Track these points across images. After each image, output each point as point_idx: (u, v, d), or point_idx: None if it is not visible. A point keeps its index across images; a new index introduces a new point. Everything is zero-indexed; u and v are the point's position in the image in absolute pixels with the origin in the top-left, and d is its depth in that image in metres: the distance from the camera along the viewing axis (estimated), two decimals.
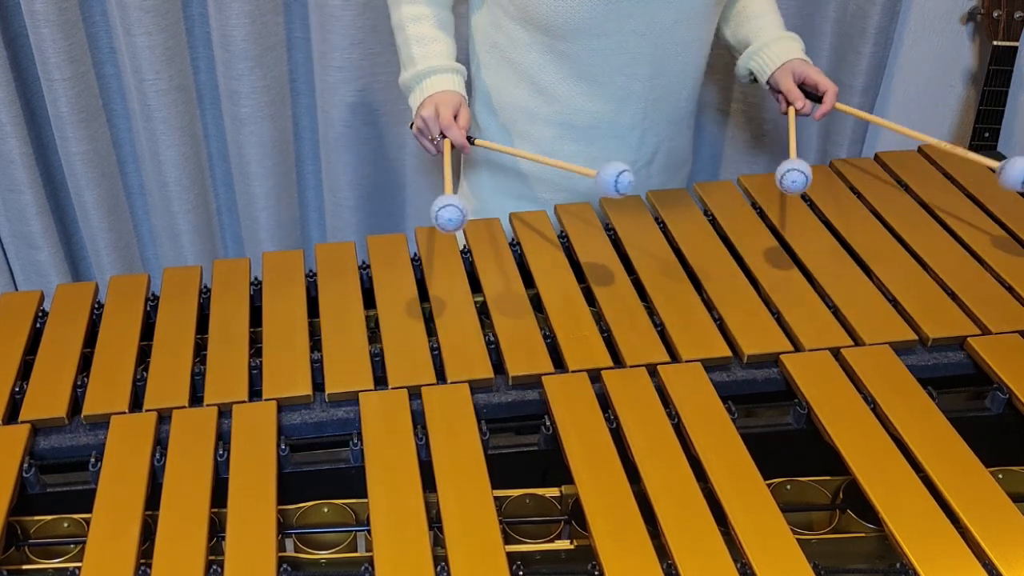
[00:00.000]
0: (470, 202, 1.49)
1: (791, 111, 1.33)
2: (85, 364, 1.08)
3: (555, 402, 0.99)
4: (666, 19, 1.27)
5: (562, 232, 1.29)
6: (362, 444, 0.94)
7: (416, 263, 1.23)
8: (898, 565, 0.82)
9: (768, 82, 1.37)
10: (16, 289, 1.97)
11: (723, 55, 1.84)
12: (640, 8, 1.25)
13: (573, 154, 1.37)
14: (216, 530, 0.89)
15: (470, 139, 1.26)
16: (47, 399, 1.02)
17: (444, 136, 1.25)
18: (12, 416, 1.01)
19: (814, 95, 1.34)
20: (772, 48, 1.36)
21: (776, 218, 1.30)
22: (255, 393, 1.03)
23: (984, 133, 1.84)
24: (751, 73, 1.40)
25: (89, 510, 0.88)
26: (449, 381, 1.03)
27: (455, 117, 1.25)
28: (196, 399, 1.02)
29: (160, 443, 0.97)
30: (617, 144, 1.38)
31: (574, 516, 0.92)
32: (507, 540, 0.87)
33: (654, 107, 1.36)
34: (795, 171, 1.15)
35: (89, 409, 1.00)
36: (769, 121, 1.90)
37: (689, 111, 1.44)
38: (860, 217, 1.30)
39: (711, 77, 1.85)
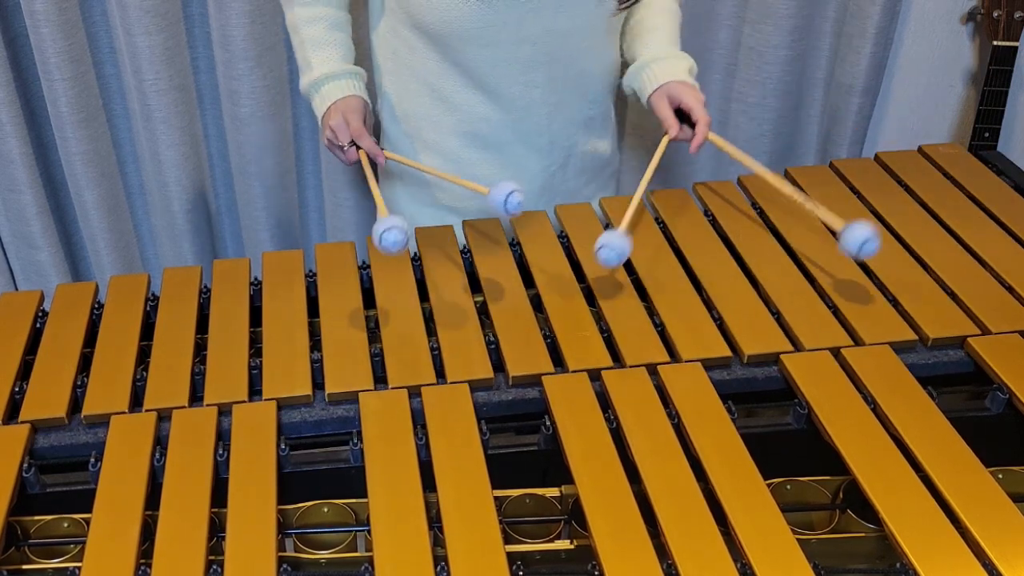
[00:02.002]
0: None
1: (663, 139, 1.26)
2: (85, 364, 1.08)
3: (555, 402, 0.99)
4: (560, 28, 1.23)
5: (562, 232, 1.29)
6: (362, 444, 0.94)
7: (416, 263, 1.23)
8: (898, 565, 0.82)
9: (647, 104, 1.30)
10: (16, 289, 1.97)
11: (723, 56, 1.85)
12: (530, 17, 1.21)
13: (481, 161, 1.34)
14: (216, 530, 0.89)
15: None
16: (47, 399, 1.02)
17: (356, 146, 1.23)
18: (12, 416, 1.01)
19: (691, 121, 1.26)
20: (653, 68, 1.29)
21: (776, 218, 1.30)
22: (255, 393, 1.03)
23: (984, 133, 1.84)
24: (633, 92, 1.34)
25: (89, 510, 0.88)
26: (449, 381, 1.03)
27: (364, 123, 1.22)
28: (196, 399, 1.02)
29: (160, 443, 0.97)
30: (526, 150, 1.34)
31: (574, 516, 0.92)
32: (507, 540, 0.87)
33: (559, 111, 1.31)
34: (605, 248, 1.09)
35: (89, 409, 1.00)
36: (769, 121, 1.90)
37: (602, 113, 1.38)
38: (860, 217, 1.30)
39: (710, 78, 1.85)
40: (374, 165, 1.27)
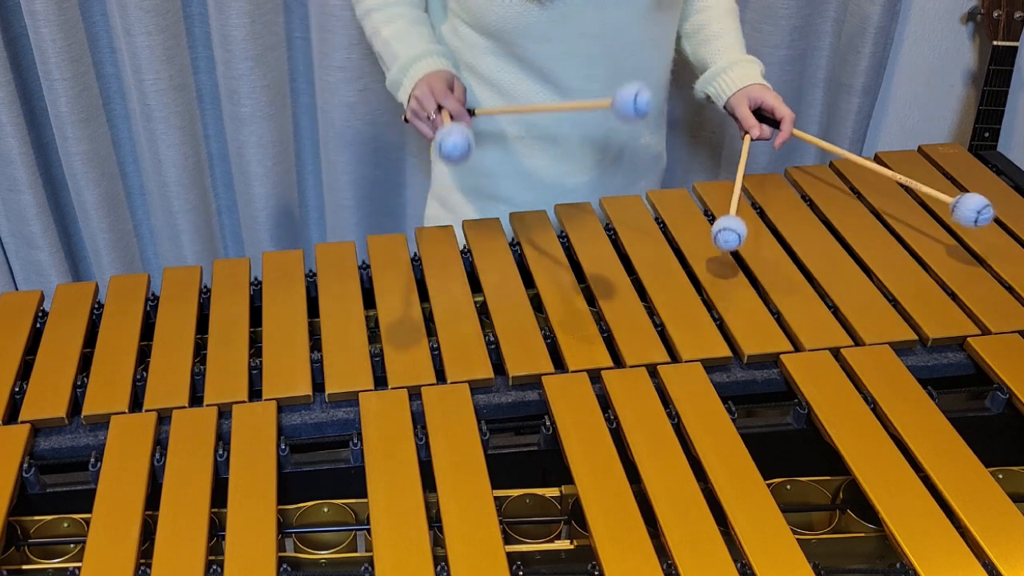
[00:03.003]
0: (435, 200, 1.48)
1: (746, 139, 1.31)
2: (85, 364, 1.08)
3: (555, 402, 0.99)
4: (616, 20, 1.26)
5: (562, 232, 1.29)
6: (362, 444, 0.94)
7: (416, 263, 1.23)
8: (898, 565, 0.82)
9: (725, 107, 1.35)
10: (16, 289, 1.97)
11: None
12: (588, 11, 1.23)
13: (537, 153, 1.37)
14: (216, 530, 0.89)
15: (470, 111, 1.22)
16: (47, 399, 1.02)
17: (440, 110, 1.21)
18: (12, 416, 1.01)
19: (772, 120, 1.32)
20: (730, 73, 1.34)
21: (776, 218, 1.30)
22: (255, 393, 1.03)
23: (984, 133, 1.84)
24: (707, 96, 1.38)
25: (89, 510, 0.88)
26: (449, 381, 1.03)
27: (451, 90, 1.22)
28: (196, 399, 1.02)
29: (160, 443, 0.97)
30: (582, 143, 1.37)
31: (574, 516, 0.92)
32: (507, 540, 0.87)
33: None
34: (728, 231, 1.14)
35: (89, 409, 1.00)
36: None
37: (656, 108, 1.42)
38: (860, 217, 1.30)
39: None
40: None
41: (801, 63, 1.82)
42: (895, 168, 1.41)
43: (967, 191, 1.20)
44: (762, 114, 1.33)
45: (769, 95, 1.32)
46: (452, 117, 1.19)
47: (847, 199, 1.35)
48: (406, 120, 1.28)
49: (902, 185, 1.30)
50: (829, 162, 1.44)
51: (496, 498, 0.88)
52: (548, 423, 0.97)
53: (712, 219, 1.31)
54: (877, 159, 1.45)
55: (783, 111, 1.30)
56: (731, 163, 1.98)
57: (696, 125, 1.95)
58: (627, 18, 1.26)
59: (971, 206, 1.16)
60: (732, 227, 1.14)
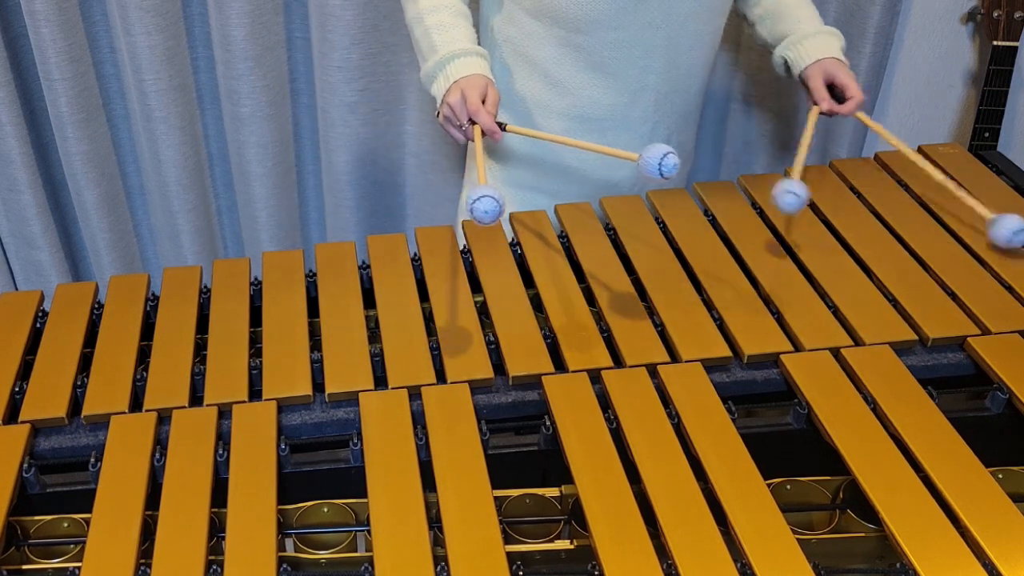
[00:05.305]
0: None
1: (813, 111, 1.32)
2: (85, 364, 1.08)
3: (555, 402, 0.99)
4: (681, 12, 1.28)
5: (562, 232, 1.29)
6: (362, 444, 0.94)
7: (416, 263, 1.23)
8: (898, 565, 0.82)
9: (800, 76, 1.36)
10: (16, 289, 1.97)
11: (723, 55, 1.85)
12: (657, 1, 1.25)
13: None
14: (216, 530, 0.89)
15: (501, 125, 1.22)
16: (47, 399, 1.02)
17: (473, 123, 1.21)
18: (12, 416, 1.01)
19: (840, 97, 1.33)
20: (811, 41, 1.35)
21: (776, 218, 1.30)
22: (255, 393, 1.03)
23: (984, 133, 1.84)
24: (784, 62, 1.39)
25: (89, 510, 0.88)
26: (449, 381, 1.03)
27: (483, 101, 1.22)
28: (196, 399, 1.02)
29: (160, 443, 0.97)
30: (628, 136, 1.38)
31: (574, 516, 0.92)
32: (507, 540, 0.87)
33: (666, 100, 1.37)
34: (790, 194, 1.16)
35: (89, 409, 1.00)
36: (769, 121, 1.90)
37: (697, 105, 1.44)
38: (860, 217, 1.30)
39: (711, 77, 1.85)
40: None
41: None
42: (895, 168, 1.41)
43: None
44: (832, 90, 1.33)
45: (844, 72, 1.32)
46: (483, 132, 1.21)
47: (847, 199, 1.35)
48: (438, 115, 1.28)
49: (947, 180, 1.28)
50: (829, 162, 1.44)
51: (496, 498, 0.88)
52: (548, 423, 0.97)
53: (712, 219, 1.32)
54: (877, 159, 1.45)
55: (854, 91, 1.31)
56: (731, 163, 1.98)
57: (697, 126, 1.95)
58: (692, 9, 1.28)
59: (1009, 227, 1.18)
60: (795, 190, 1.16)
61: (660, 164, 1.02)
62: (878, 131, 1.32)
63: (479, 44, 1.31)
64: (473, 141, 1.23)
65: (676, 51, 1.32)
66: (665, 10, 1.27)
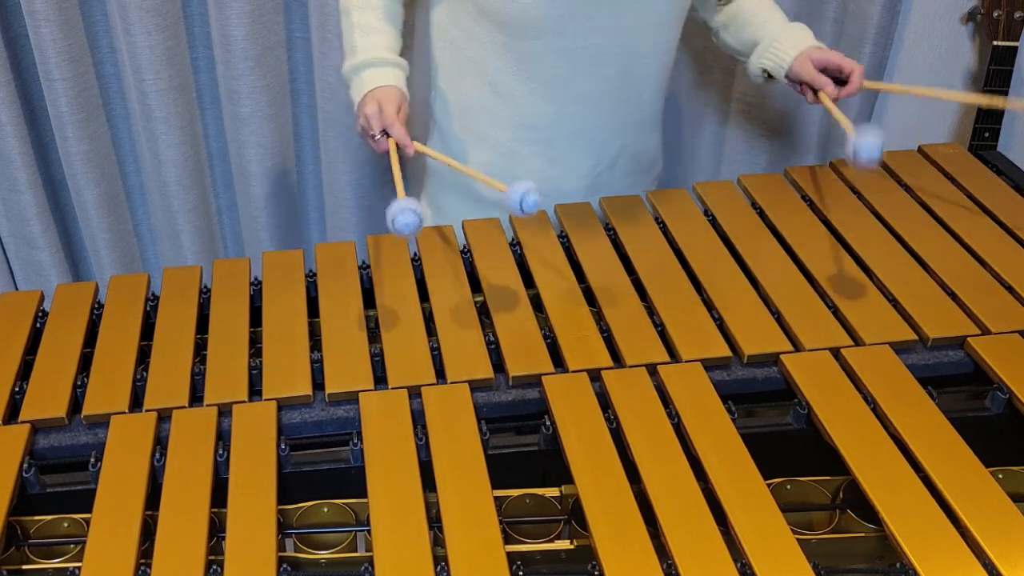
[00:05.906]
0: (428, 203, 1.47)
1: (820, 95, 1.29)
2: (85, 364, 1.08)
3: (555, 402, 0.99)
4: (633, 20, 1.25)
5: (562, 232, 1.29)
6: (362, 444, 0.94)
7: (416, 263, 1.23)
8: (898, 565, 0.82)
9: (787, 76, 1.33)
10: (16, 289, 1.97)
11: (724, 55, 1.85)
12: (606, 8, 1.22)
13: (532, 156, 1.35)
14: (216, 530, 0.89)
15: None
16: (47, 399, 1.02)
17: (386, 134, 1.21)
18: (12, 416, 1.01)
19: (839, 78, 1.30)
20: (782, 41, 1.32)
21: (776, 218, 1.30)
22: (255, 393, 1.03)
23: (984, 133, 1.83)
24: (764, 72, 1.36)
25: (89, 510, 0.88)
26: (449, 381, 1.03)
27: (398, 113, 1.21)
28: (196, 399, 1.02)
29: (160, 443, 0.97)
30: (579, 147, 1.35)
31: (574, 516, 0.92)
32: (507, 540, 0.87)
33: (618, 109, 1.33)
34: (868, 142, 1.05)
35: (89, 409, 1.00)
36: (769, 121, 1.90)
37: (654, 113, 1.41)
38: (860, 217, 1.30)
39: (710, 77, 1.85)
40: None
41: None
42: (895, 168, 1.41)
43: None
44: (828, 74, 1.30)
45: (830, 53, 1.29)
46: (397, 145, 1.21)
47: (847, 199, 1.35)
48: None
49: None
50: (829, 162, 1.44)
51: (496, 498, 0.88)
52: (548, 423, 0.97)
53: (712, 219, 1.32)
54: None
55: (850, 64, 1.28)
56: (732, 163, 1.98)
57: (697, 126, 1.95)
58: (644, 18, 1.25)
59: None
60: (871, 139, 1.05)
61: (521, 201, 1.05)
62: (892, 89, 1.27)
63: (423, 48, 1.30)
64: (388, 153, 1.23)
65: (630, 59, 1.28)
66: (615, 18, 1.23)
